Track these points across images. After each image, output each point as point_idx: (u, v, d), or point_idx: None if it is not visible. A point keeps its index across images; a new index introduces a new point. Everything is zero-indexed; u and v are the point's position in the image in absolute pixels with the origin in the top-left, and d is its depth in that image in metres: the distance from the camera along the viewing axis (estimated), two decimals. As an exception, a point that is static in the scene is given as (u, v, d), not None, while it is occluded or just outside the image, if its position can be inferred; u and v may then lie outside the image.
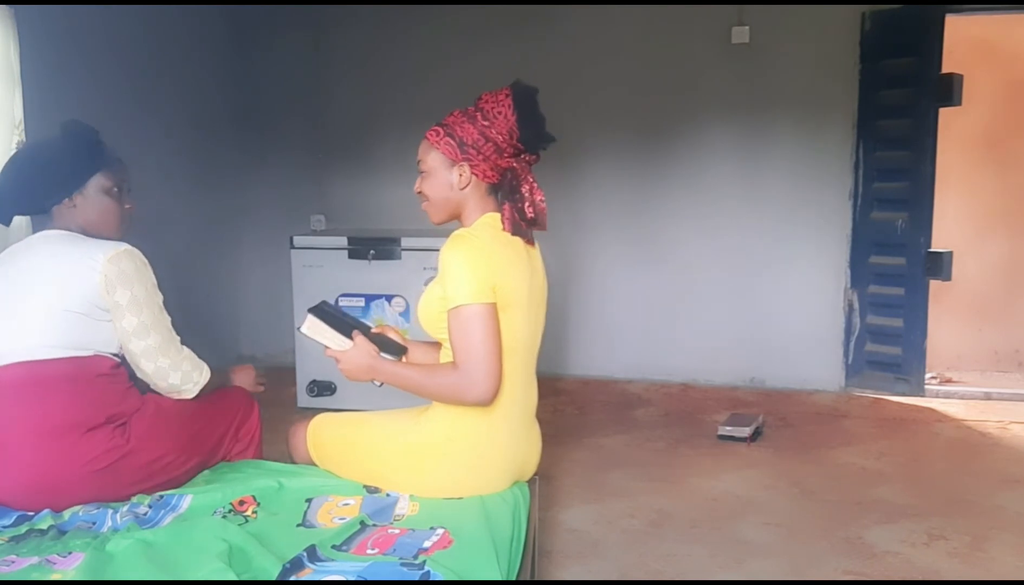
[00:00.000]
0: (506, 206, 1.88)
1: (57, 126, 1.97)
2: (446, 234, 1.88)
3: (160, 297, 1.94)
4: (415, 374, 1.86)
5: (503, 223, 1.88)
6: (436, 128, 1.90)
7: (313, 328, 1.94)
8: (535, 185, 1.91)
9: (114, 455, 1.82)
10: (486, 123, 1.85)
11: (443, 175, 1.90)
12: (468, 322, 1.75)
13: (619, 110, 4.53)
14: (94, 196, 1.94)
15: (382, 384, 1.91)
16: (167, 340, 1.92)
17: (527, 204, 1.88)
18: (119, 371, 1.90)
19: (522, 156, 1.90)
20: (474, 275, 1.75)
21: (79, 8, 3.38)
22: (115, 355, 1.89)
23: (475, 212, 1.91)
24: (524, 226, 1.90)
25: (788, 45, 4.29)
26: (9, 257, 1.92)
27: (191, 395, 1.97)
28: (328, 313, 1.96)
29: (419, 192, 1.95)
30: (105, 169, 1.95)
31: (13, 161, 1.97)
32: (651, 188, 4.56)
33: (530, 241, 1.94)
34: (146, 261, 1.92)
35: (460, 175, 1.88)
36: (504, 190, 1.91)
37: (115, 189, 1.97)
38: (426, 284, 2.00)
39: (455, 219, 1.95)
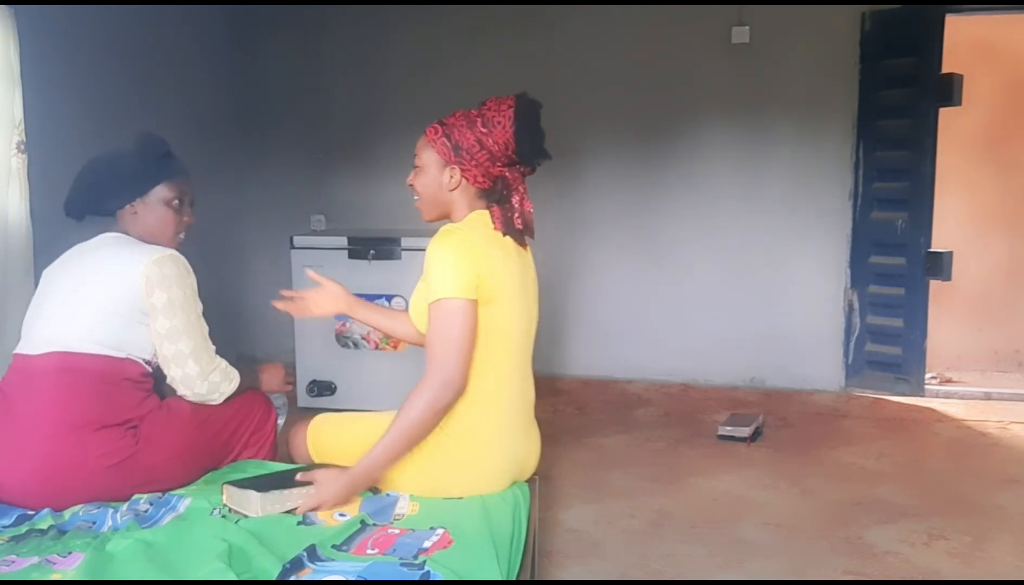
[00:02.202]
0: (496, 208, 1.91)
1: (135, 131, 2.08)
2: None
3: (199, 305, 1.97)
4: (393, 432, 1.76)
5: (494, 222, 1.89)
6: (436, 125, 1.92)
7: (266, 504, 1.73)
8: (526, 196, 1.93)
9: (123, 454, 1.84)
10: (484, 130, 1.86)
11: (434, 173, 1.92)
12: (448, 316, 1.76)
13: (619, 110, 4.53)
14: (154, 205, 2.02)
15: None
16: (200, 347, 1.94)
17: (516, 215, 1.91)
18: (146, 379, 1.94)
19: (516, 167, 1.91)
20: (458, 269, 1.77)
21: (79, 8, 3.38)
22: (147, 362, 1.93)
23: (464, 211, 1.93)
24: (515, 229, 1.92)
25: (788, 45, 4.29)
26: (75, 254, 2.01)
27: (216, 402, 1.99)
28: (258, 482, 1.79)
29: (410, 185, 1.98)
30: (168, 180, 2.03)
31: (90, 164, 2.06)
32: (651, 188, 4.56)
33: (522, 243, 1.95)
34: (190, 268, 1.97)
35: (451, 177, 1.90)
36: (494, 197, 1.93)
37: (175, 201, 2.04)
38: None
39: (445, 218, 1.97)
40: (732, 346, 4.52)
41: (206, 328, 1.98)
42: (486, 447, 1.88)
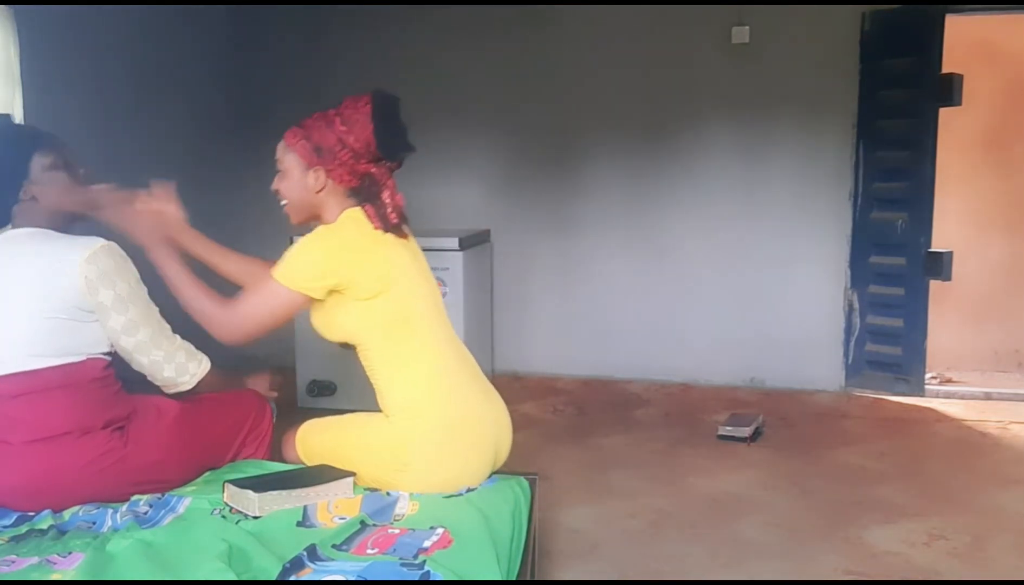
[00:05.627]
0: (368, 207, 1.90)
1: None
2: (442, 233, 1.87)
3: (144, 289, 1.89)
4: (185, 278, 1.87)
5: (372, 220, 1.89)
6: (295, 129, 1.93)
7: (265, 504, 1.75)
8: (395, 190, 1.92)
9: (112, 457, 1.82)
10: (344, 129, 1.86)
11: (299, 177, 1.92)
12: (272, 295, 1.83)
13: (619, 110, 4.53)
14: (45, 178, 1.85)
15: None
16: (158, 332, 1.89)
17: (389, 210, 1.90)
18: (109, 372, 1.88)
19: (382, 162, 1.91)
20: (313, 269, 1.81)
21: (79, 8, 3.39)
22: (106, 354, 1.87)
23: (335, 211, 1.92)
24: (391, 223, 1.91)
25: (788, 45, 4.30)
26: None
27: (188, 387, 1.95)
28: (256, 482, 1.83)
29: (275, 190, 1.97)
30: (38, 149, 1.86)
31: None
32: (651, 188, 4.56)
33: (402, 235, 1.95)
34: (125, 255, 1.86)
35: (316, 178, 1.90)
36: (363, 195, 1.92)
37: (60, 161, 1.87)
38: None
39: (314, 220, 1.97)
40: (732, 346, 4.52)
41: (156, 310, 1.92)
42: (457, 426, 1.90)
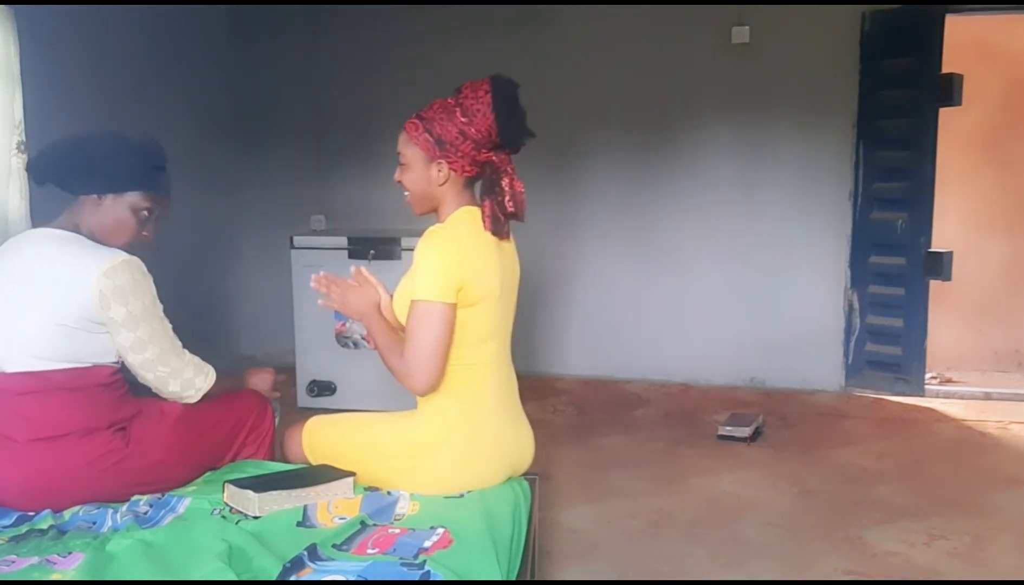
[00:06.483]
0: (486, 203, 1.87)
1: (139, 131, 1.98)
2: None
3: (159, 307, 1.90)
4: (387, 341, 1.89)
5: (484, 221, 1.87)
6: (415, 121, 1.89)
7: (265, 504, 1.75)
8: (515, 177, 1.89)
9: (114, 457, 1.82)
10: (465, 120, 1.83)
11: (421, 170, 1.90)
12: (424, 318, 1.77)
13: (619, 110, 4.53)
14: (123, 206, 1.90)
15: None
16: (167, 350, 1.89)
17: (507, 198, 1.87)
18: (117, 377, 1.89)
19: (502, 149, 1.88)
20: (441, 273, 1.77)
21: (79, 8, 3.38)
22: (114, 362, 1.88)
23: (452, 205, 1.91)
24: (503, 221, 1.89)
25: (788, 45, 4.29)
26: (14, 256, 1.86)
27: (194, 400, 1.96)
28: (256, 482, 1.82)
29: (399, 181, 1.95)
30: (148, 191, 1.92)
31: (87, 137, 1.93)
32: (651, 188, 4.56)
33: (505, 236, 1.93)
34: (145, 271, 1.87)
35: (439, 171, 1.88)
36: (483, 183, 1.90)
37: (144, 212, 1.93)
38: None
39: (434, 211, 1.95)
40: (732, 346, 4.52)
41: (169, 327, 1.92)
42: (480, 438, 1.90)
